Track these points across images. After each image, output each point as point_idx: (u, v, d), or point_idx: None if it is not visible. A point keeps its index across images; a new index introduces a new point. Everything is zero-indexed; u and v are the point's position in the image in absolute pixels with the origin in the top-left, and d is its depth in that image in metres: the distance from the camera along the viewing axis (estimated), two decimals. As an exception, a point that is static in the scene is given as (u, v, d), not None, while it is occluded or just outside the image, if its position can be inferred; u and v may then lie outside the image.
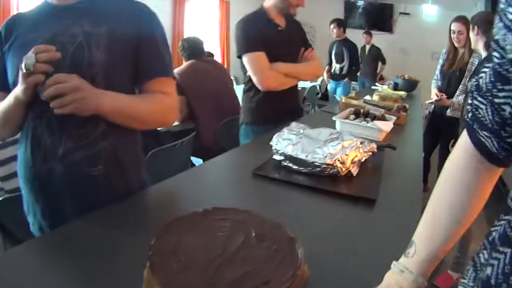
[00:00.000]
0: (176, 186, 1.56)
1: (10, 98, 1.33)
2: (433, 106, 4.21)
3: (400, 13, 10.24)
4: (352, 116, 2.55)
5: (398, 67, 8.88)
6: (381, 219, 1.31)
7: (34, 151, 1.39)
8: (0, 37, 1.43)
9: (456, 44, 3.82)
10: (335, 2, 11.01)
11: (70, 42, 1.33)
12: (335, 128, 2.24)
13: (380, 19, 10.60)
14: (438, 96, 3.97)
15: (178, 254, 0.89)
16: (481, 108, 0.70)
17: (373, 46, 8.82)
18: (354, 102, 3.17)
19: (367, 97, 3.67)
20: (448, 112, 3.83)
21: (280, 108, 2.61)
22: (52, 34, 1.34)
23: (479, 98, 0.70)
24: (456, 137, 3.26)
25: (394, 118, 2.60)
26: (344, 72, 7.53)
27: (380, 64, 8.88)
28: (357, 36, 8.57)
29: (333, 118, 2.47)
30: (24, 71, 1.21)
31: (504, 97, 0.64)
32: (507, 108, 0.64)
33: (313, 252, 1.01)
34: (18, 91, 1.27)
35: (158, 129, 3.17)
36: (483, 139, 0.73)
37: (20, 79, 1.25)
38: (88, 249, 1.05)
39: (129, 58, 1.43)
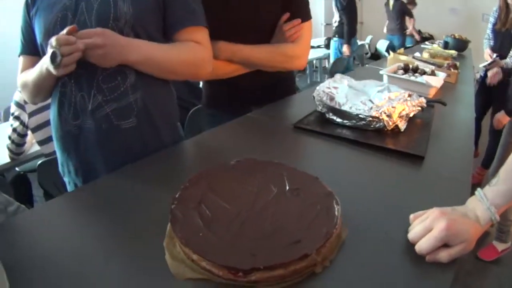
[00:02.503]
0: (213, 140, 1.52)
1: (41, 69, 1.32)
2: (485, 68, 4.01)
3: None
4: (401, 71, 2.40)
5: (448, 27, 8.57)
6: (428, 179, 1.20)
7: (64, 108, 1.38)
8: (27, 3, 1.42)
9: (508, 1, 3.60)
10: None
11: None
12: (383, 83, 2.12)
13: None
14: (491, 57, 3.78)
15: (203, 208, 0.84)
16: None
17: (396, 0, 8.46)
18: (403, 57, 3.01)
19: (417, 54, 3.52)
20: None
21: (237, 87, 1.86)
22: None
23: None
24: (508, 100, 3.11)
25: (444, 74, 2.44)
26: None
27: (407, 18, 8.43)
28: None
29: (380, 72, 2.34)
30: (53, 66, 1.21)
31: None
32: None
33: (352, 209, 0.94)
34: (50, 67, 1.24)
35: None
36: None
37: (50, 67, 1.24)
38: (118, 202, 1.05)
39: (157, 9, 1.39)
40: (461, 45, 4.34)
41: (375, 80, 1.75)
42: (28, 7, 1.42)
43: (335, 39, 6.64)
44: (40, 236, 0.92)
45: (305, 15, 1.80)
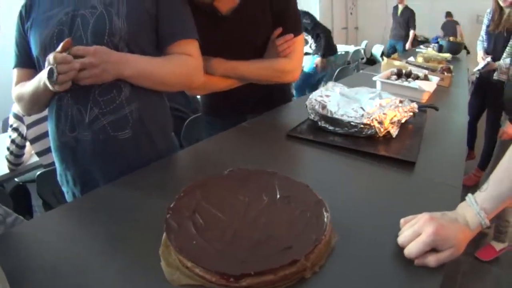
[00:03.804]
0: (207, 149, 1.54)
1: (39, 83, 1.34)
2: (479, 72, 4.04)
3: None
4: (394, 77, 2.43)
5: (441, 31, 8.64)
6: (420, 184, 1.22)
7: (61, 121, 1.41)
8: (21, 16, 1.45)
9: (501, 3, 3.63)
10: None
11: (91, 13, 1.35)
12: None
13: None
14: (483, 59, 3.81)
15: (197, 217, 0.86)
16: None
17: (406, 7, 8.52)
18: (397, 63, 3.05)
19: (411, 59, 3.55)
20: (495, 76, 3.66)
21: (233, 96, 1.87)
22: (72, 8, 1.37)
23: None
24: (503, 102, 3.13)
25: (437, 78, 2.48)
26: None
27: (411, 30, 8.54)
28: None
29: (373, 78, 2.37)
30: (50, 82, 1.24)
31: None
32: None
33: (343, 216, 0.97)
34: (47, 82, 1.27)
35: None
36: None
37: (47, 82, 1.26)
38: (116, 212, 1.08)
39: (150, 24, 1.43)
40: (455, 47, 4.37)
41: (367, 87, 1.77)
42: (22, 20, 1.44)
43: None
44: (39, 246, 0.94)
45: (297, 30, 1.82)
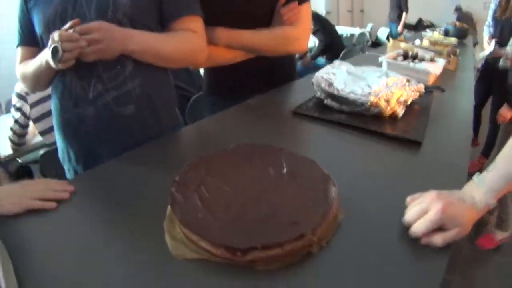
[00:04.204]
0: (212, 126, 1.55)
1: (41, 61, 1.35)
2: (485, 57, 4.02)
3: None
4: (400, 58, 2.41)
5: (449, 15, 8.57)
6: (425, 164, 1.21)
7: (65, 97, 1.42)
8: None
9: None
10: None
11: None
12: (382, 69, 2.13)
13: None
14: (489, 44, 3.79)
15: (202, 191, 0.86)
16: None
17: None
18: (403, 44, 3.01)
19: (417, 41, 3.52)
20: (501, 63, 3.64)
21: (237, 74, 1.85)
22: None
23: None
24: (508, 89, 3.11)
25: (444, 61, 2.45)
26: None
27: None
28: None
29: (380, 59, 2.34)
30: (54, 61, 1.24)
31: None
32: None
33: (349, 193, 0.96)
34: (50, 61, 1.27)
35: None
36: None
37: (50, 61, 1.26)
38: (119, 187, 1.09)
39: (153, 1, 1.43)
40: (461, 33, 4.33)
41: (374, 66, 1.75)
42: (25, 1, 1.44)
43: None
44: (42, 224, 0.94)
45: None
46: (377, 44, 8.63)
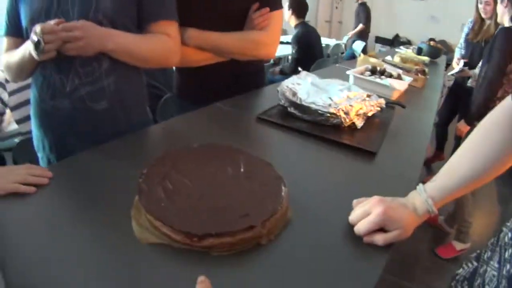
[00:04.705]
0: (180, 125, 1.61)
1: (24, 53, 1.41)
2: (453, 77, 4.16)
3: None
4: (368, 73, 2.51)
5: (426, 34, 8.77)
6: (378, 173, 1.30)
7: (43, 89, 1.49)
8: None
9: (482, 15, 3.74)
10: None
11: None
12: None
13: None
14: (457, 64, 3.93)
15: (167, 183, 0.94)
16: None
17: (360, 4, 8.71)
18: (373, 60, 3.11)
19: (388, 57, 3.62)
20: (469, 83, 3.79)
21: (209, 82, 1.93)
22: None
23: None
24: (468, 108, 3.23)
25: (410, 79, 2.56)
26: None
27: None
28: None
29: (347, 72, 2.45)
30: (36, 53, 1.31)
31: None
32: None
33: (302, 194, 1.06)
34: (33, 52, 1.33)
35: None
36: None
37: (32, 52, 1.33)
38: (89, 179, 1.14)
39: (133, 3, 1.49)
40: (434, 52, 4.43)
41: (339, 80, 1.85)
42: None
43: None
44: (12, 211, 0.99)
45: (274, 5, 1.86)
46: (352, 56, 8.76)
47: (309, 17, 10.00)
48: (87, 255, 0.82)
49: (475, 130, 0.97)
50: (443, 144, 4.69)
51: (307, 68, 4.76)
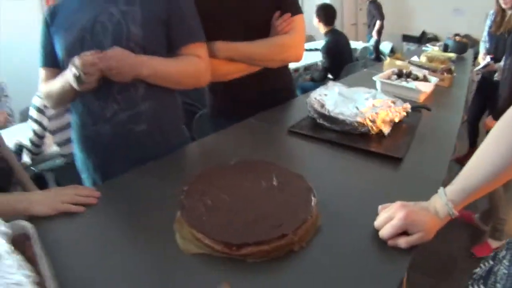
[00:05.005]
0: (215, 143, 1.70)
1: (64, 83, 1.50)
2: (480, 72, 4.14)
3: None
4: (394, 77, 2.53)
5: (452, 27, 8.66)
6: (404, 178, 1.35)
7: (84, 115, 1.59)
8: (46, 21, 1.60)
9: (503, 6, 3.72)
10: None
11: (109, 21, 1.50)
12: (376, 88, 2.29)
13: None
14: (483, 59, 3.91)
15: (206, 199, 1.03)
16: None
17: (371, 1, 8.98)
18: (399, 62, 3.15)
19: (414, 58, 3.62)
20: (496, 77, 3.76)
21: (239, 98, 2.02)
22: (92, 15, 1.51)
23: None
24: (496, 103, 3.22)
25: (436, 79, 2.57)
26: None
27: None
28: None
29: (374, 78, 2.48)
30: (77, 84, 1.40)
31: None
32: None
33: (332, 202, 1.13)
34: (73, 84, 1.42)
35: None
36: None
37: (73, 84, 1.42)
38: (133, 198, 1.25)
39: (162, 30, 1.59)
40: (461, 47, 4.38)
41: (365, 88, 1.91)
42: (47, 25, 1.60)
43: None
44: (70, 225, 1.11)
45: (295, 10, 1.94)
46: (380, 58, 8.76)
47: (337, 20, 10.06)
48: (135, 268, 0.92)
49: (495, 126, 0.99)
50: (476, 140, 4.65)
51: (337, 74, 4.80)
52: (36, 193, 1.30)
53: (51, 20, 1.59)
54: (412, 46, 9.59)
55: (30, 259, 0.83)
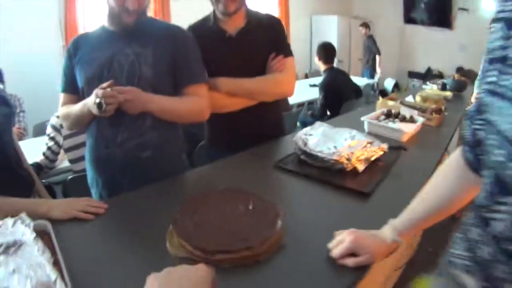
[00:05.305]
0: (210, 172, 1.96)
1: (83, 109, 1.73)
2: None
3: (459, 9, 9.81)
4: (383, 117, 2.68)
5: (457, 64, 8.82)
6: (371, 212, 1.52)
7: (98, 139, 1.83)
8: (70, 52, 1.84)
9: None
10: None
11: (125, 60, 1.73)
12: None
13: (440, 14, 10.16)
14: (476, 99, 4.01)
15: (195, 217, 1.28)
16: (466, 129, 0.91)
17: (368, 37, 9.28)
18: (391, 103, 3.28)
19: (409, 98, 3.72)
20: None
21: (234, 132, 2.29)
22: (110, 54, 1.75)
23: (466, 121, 0.91)
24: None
25: (423, 119, 2.67)
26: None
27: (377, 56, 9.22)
28: (415, 32, 9.01)
29: (361, 118, 2.65)
30: (98, 111, 1.61)
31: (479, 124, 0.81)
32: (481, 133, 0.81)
33: (300, 226, 1.38)
34: (94, 110, 1.64)
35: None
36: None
37: (93, 111, 1.64)
38: (135, 212, 1.52)
39: (170, 71, 1.83)
40: (459, 86, 4.44)
41: (348, 128, 2.11)
42: (70, 56, 1.85)
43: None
44: (73, 231, 1.36)
45: (287, 53, 2.25)
46: (384, 94, 8.88)
47: (342, 57, 10.19)
48: (131, 265, 1.19)
49: (443, 163, 1.13)
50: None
51: (336, 110, 4.96)
52: (55, 200, 1.56)
53: (74, 52, 1.83)
54: (417, 83, 9.70)
55: (49, 249, 1.08)
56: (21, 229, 1.12)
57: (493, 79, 0.73)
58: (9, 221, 1.15)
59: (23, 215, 1.19)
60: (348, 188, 1.69)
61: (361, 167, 1.84)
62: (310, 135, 2.02)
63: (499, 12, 0.74)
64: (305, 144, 1.94)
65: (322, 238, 1.26)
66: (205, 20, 2.22)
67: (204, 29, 2.15)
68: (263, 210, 1.35)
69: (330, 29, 10.39)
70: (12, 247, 1.03)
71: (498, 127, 0.69)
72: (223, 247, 1.15)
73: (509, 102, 0.68)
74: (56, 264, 1.04)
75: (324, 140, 1.97)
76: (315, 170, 1.86)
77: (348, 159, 1.81)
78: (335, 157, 1.81)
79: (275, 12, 9.55)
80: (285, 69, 2.23)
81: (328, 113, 5.09)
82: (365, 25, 9.46)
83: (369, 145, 1.93)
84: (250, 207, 1.35)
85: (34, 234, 1.10)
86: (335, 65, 5.31)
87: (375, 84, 8.80)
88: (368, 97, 7.16)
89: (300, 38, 10.30)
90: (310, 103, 6.01)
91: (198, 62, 1.93)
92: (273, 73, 2.21)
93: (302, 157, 1.95)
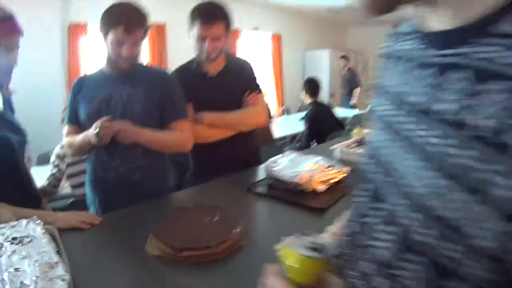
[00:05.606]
0: (191, 195, 2.27)
1: (84, 138, 2.01)
2: None
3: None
4: (354, 144, 2.91)
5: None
6: (323, 224, 1.55)
7: (96, 164, 2.14)
8: (74, 90, 2.16)
9: None
10: (385, 28, 11.04)
11: (120, 99, 2.04)
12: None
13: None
14: None
15: (171, 224, 1.60)
16: None
17: (348, 70, 9.52)
18: (366, 131, 3.28)
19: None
20: None
21: (214, 159, 2.55)
22: (108, 93, 2.06)
23: None
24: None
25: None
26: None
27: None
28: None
29: (330, 148, 2.93)
30: (96, 140, 1.89)
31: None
32: None
33: (258, 237, 1.68)
34: (92, 140, 1.93)
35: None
36: None
37: (92, 140, 1.92)
38: (125, 224, 1.81)
39: (157, 109, 2.13)
40: None
41: (314, 155, 2.37)
42: (74, 93, 2.16)
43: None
44: (72, 238, 1.63)
45: (259, 90, 2.62)
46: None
47: (333, 90, 10.43)
48: (118, 263, 1.48)
49: None
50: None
51: (321, 141, 5.19)
52: (59, 213, 1.85)
53: (78, 89, 2.15)
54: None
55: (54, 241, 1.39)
56: (32, 227, 1.40)
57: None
58: (24, 221, 1.43)
59: (35, 217, 1.47)
60: (307, 206, 1.91)
61: (321, 188, 2.06)
62: (278, 162, 2.28)
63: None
64: (273, 169, 2.20)
65: (276, 243, 1.48)
66: (190, 63, 2.54)
67: (189, 71, 2.48)
68: (226, 220, 1.65)
69: (322, 64, 10.69)
70: (25, 239, 1.32)
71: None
72: (188, 245, 1.44)
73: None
74: (59, 253, 1.31)
75: (290, 165, 2.22)
76: (281, 192, 2.10)
77: (308, 182, 2.05)
78: (296, 180, 2.06)
79: (269, 48, 9.81)
80: (259, 104, 2.58)
81: (315, 143, 5.31)
82: (345, 58, 9.73)
83: (328, 169, 2.18)
84: (216, 219, 1.65)
85: (43, 230, 1.39)
86: (327, 98, 5.49)
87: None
88: (350, 129, 7.24)
89: (293, 73, 10.56)
90: (294, 136, 6.26)
91: (181, 101, 2.24)
92: (248, 106, 2.53)
93: (270, 181, 2.23)
